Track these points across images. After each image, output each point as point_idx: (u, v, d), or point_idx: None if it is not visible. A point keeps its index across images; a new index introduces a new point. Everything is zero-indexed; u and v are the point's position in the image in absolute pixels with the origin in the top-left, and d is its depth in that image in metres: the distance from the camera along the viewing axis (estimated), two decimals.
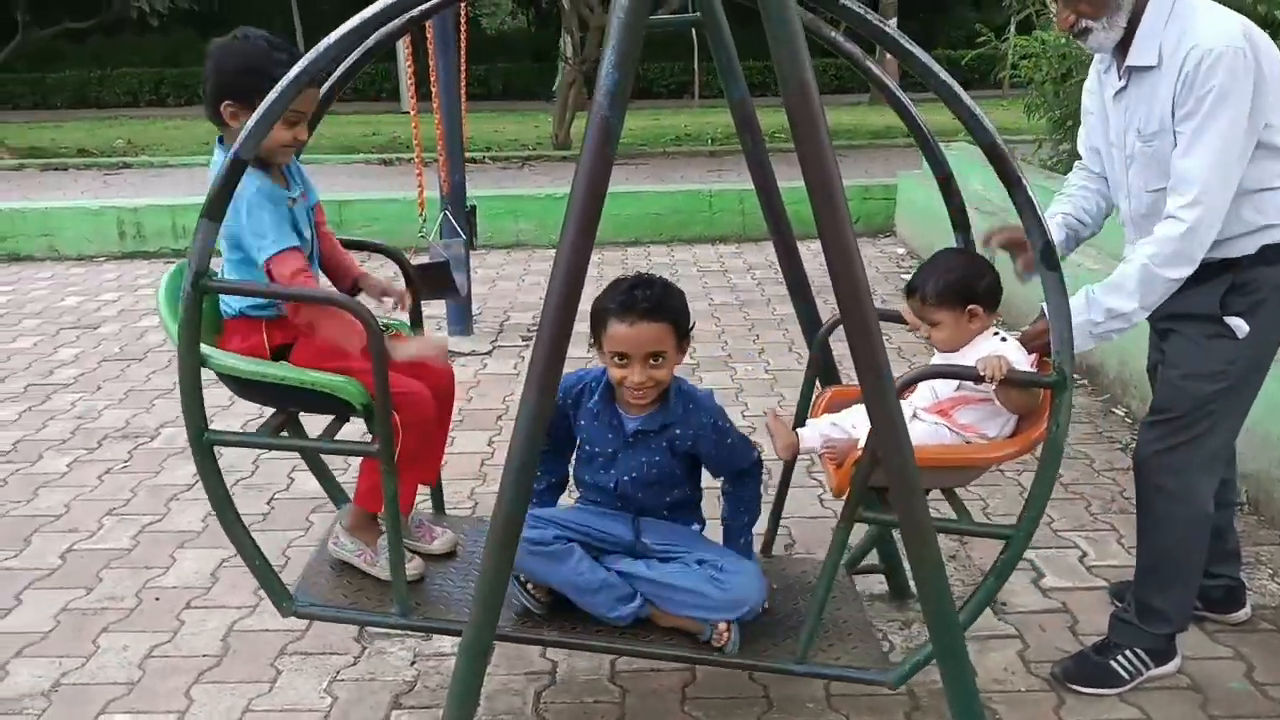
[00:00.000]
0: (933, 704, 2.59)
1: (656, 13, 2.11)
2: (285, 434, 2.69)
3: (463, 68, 5.77)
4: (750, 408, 4.72)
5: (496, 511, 2.10)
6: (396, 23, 2.39)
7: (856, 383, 2.74)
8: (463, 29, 5.76)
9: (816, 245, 1.91)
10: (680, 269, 7.72)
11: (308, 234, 2.56)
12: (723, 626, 2.43)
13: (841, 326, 2.73)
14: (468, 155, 6.10)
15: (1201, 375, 2.46)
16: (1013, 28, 10.06)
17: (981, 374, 2.22)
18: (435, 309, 6.16)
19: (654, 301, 2.36)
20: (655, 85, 26.39)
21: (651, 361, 2.37)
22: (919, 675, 2.67)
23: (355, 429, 2.69)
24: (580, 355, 5.42)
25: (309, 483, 3.99)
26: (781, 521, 2.96)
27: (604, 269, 7.68)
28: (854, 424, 2.52)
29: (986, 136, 2.03)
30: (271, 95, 2.04)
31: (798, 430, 2.61)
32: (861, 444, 2.34)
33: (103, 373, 5.48)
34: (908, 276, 7.94)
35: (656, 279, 2.45)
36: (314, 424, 2.73)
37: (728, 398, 4.87)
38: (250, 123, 2.05)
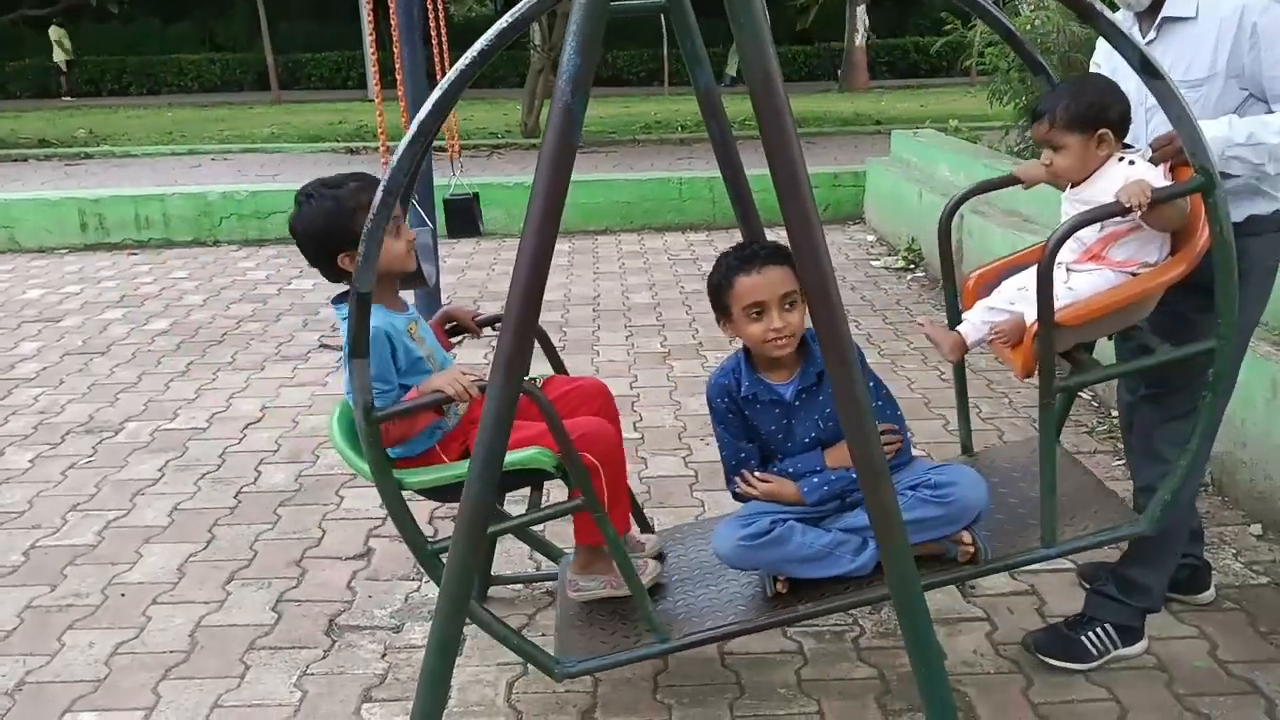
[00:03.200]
0: (903, 688, 2.61)
1: None
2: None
3: (445, 55, 5.73)
4: None
5: (464, 499, 2.09)
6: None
7: (990, 263, 2.68)
8: (441, 15, 5.71)
9: (783, 231, 1.91)
10: (651, 257, 7.71)
11: (433, 352, 2.58)
12: (966, 539, 2.40)
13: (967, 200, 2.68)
14: (435, 143, 6.05)
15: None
16: None
17: (1126, 205, 2.14)
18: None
19: (772, 249, 2.39)
20: (625, 72, 26.35)
21: (786, 306, 2.36)
22: (891, 660, 2.71)
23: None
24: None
25: (275, 475, 3.98)
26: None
27: (574, 257, 7.68)
28: (1010, 301, 2.44)
29: None
30: (369, 225, 2.04)
31: (958, 329, 2.52)
32: (1029, 317, 2.28)
33: (65, 366, 5.40)
34: (877, 263, 7.94)
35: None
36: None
37: (697, 385, 4.87)
38: (360, 257, 2.06)
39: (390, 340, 2.41)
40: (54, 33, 25.28)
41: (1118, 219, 2.25)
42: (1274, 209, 2.45)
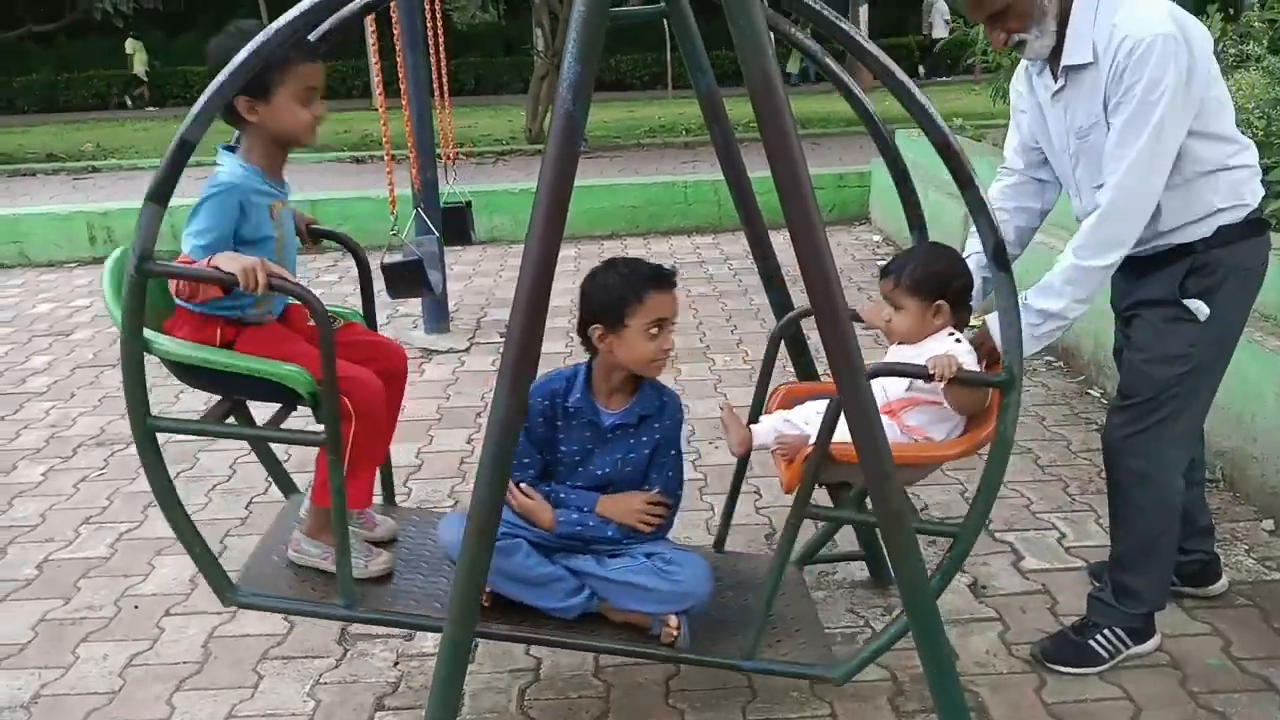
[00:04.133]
0: (915, 689, 2.60)
1: (621, 4, 2.10)
2: (232, 421, 2.63)
3: (445, 63, 5.75)
4: (730, 398, 4.73)
5: (473, 507, 2.09)
6: (354, 6, 2.38)
7: (818, 378, 2.80)
8: (439, 24, 5.73)
9: (787, 234, 1.91)
10: (658, 261, 7.70)
11: (285, 239, 2.52)
12: (673, 622, 2.43)
13: (800, 319, 2.77)
14: (440, 151, 6.07)
15: (1164, 359, 2.48)
16: None
17: (931, 372, 2.24)
18: (412, 306, 6.14)
19: (670, 269, 2.47)
20: (629, 77, 26.37)
21: (671, 328, 2.43)
22: (903, 661, 2.70)
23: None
24: (554, 351, 5.42)
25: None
26: (761, 511, 2.94)
27: (581, 263, 7.67)
28: (806, 420, 2.53)
29: (940, 135, 2.06)
30: (221, 77, 2.00)
31: (751, 426, 2.62)
32: (812, 441, 2.34)
33: (76, 380, 5.42)
34: (884, 263, 7.96)
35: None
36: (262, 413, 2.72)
37: (706, 389, 4.88)
38: (199, 103, 2.01)
39: (241, 203, 2.35)
40: (130, 45, 25.67)
41: (925, 387, 2.35)
42: (1243, 216, 2.45)
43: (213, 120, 2.07)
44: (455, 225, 5.96)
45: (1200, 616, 2.86)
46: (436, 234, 5.55)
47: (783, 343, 2.82)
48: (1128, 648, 2.66)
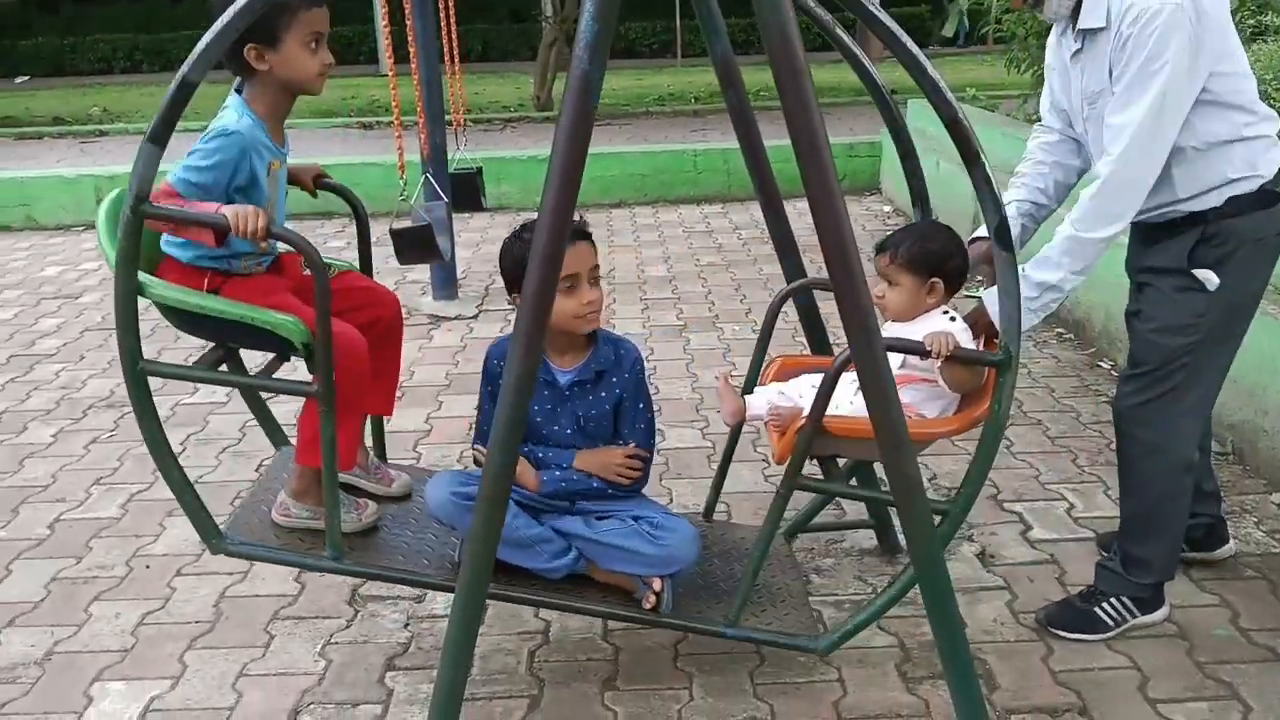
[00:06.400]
0: (923, 656, 2.62)
1: None
2: (224, 369, 2.62)
3: (454, 28, 5.72)
4: (738, 368, 4.72)
5: (487, 471, 2.09)
6: None
7: (831, 352, 2.79)
8: None
9: (801, 204, 1.90)
10: (666, 230, 7.68)
11: (276, 198, 2.50)
12: (656, 585, 2.44)
13: (796, 293, 2.76)
14: (449, 117, 6.04)
15: (1172, 328, 2.47)
16: None
17: (929, 349, 2.23)
18: (420, 273, 6.13)
19: (581, 224, 2.40)
20: (638, 44, 26.15)
21: (592, 281, 2.41)
22: (911, 628, 2.71)
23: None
24: None
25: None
26: (770, 479, 2.93)
27: (593, 232, 7.65)
28: (800, 394, 2.53)
29: (950, 111, 2.03)
30: (226, 17, 1.95)
31: (745, 397, 2.62)
32: (805, 413, 2.34)
33: (85, 342, 5.44)
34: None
35: None
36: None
37: (715, 357, 4.88)
38: (201, 42, 1.97)
39: (247, 152, 2.35)
40: None
41: (919, 364, 2.35)
42: (1256, 186, 2.43)
43: (214, 62, 2.02)
44: (466, 191, 5.94)
45: (1208, 587, 2.87)
46: (445, 200, 5.53)
47: (797, 316, 2.81)
48: (1134, 617, 2.67)
